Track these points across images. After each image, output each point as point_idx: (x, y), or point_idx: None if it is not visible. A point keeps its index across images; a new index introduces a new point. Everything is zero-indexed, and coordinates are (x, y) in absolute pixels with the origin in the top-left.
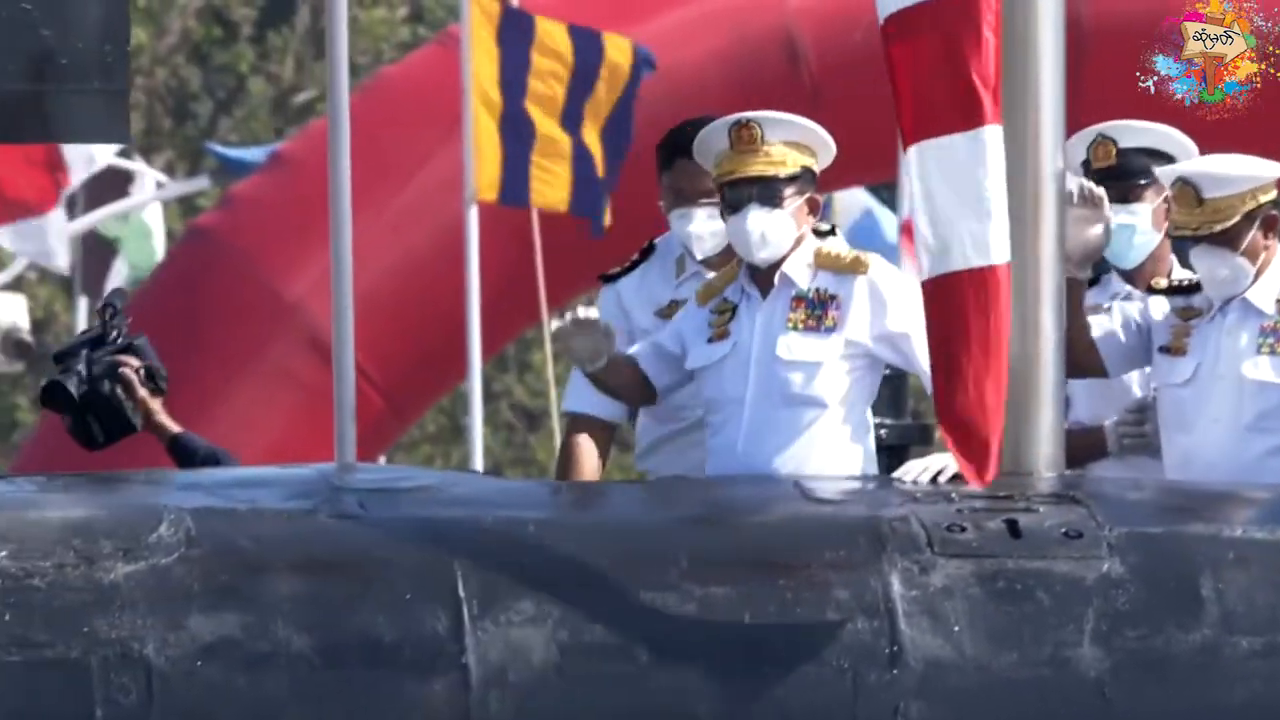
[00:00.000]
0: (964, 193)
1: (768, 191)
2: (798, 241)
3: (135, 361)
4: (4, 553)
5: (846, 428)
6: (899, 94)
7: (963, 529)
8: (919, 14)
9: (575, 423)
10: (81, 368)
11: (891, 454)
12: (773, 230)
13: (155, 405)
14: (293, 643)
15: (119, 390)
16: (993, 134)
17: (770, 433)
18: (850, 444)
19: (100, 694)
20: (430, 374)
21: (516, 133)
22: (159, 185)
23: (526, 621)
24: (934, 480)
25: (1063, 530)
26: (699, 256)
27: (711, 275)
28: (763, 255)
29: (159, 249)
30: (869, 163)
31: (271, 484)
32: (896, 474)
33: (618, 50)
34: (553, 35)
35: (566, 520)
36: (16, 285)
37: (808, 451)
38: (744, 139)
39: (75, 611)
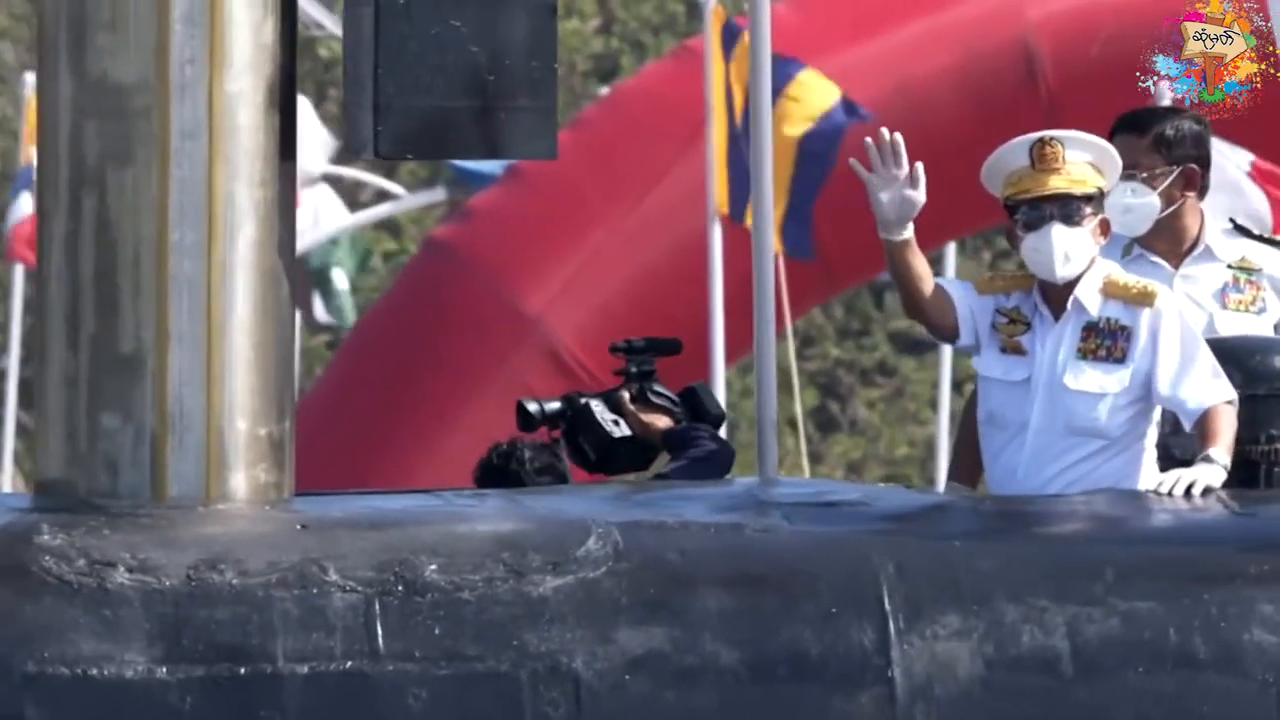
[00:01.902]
0: None
1: (1068, 209)
2: (1091, 262)
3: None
4: (434, 566)
5: (1126, 462)
6: None
7: None
8: None
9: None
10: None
11: None
12: (1074, 248)
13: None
14: (720, 657)
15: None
16: None
17: (1050, 461)
18: (1128, 478)
19: (530, 707)
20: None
21: (740, 151)
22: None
23: (952, 635)
24: (1187, 493)
25: None
26: (1125, 232)
27: (1155, 258)
28: (1064, 273)
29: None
30: None
31: (697, 498)
32: (1152, 486)
33: (818, 91)
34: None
35: (991, 534)
36: None
37: (1084, 483)
38: (1046, 157)
39: (504, 625)
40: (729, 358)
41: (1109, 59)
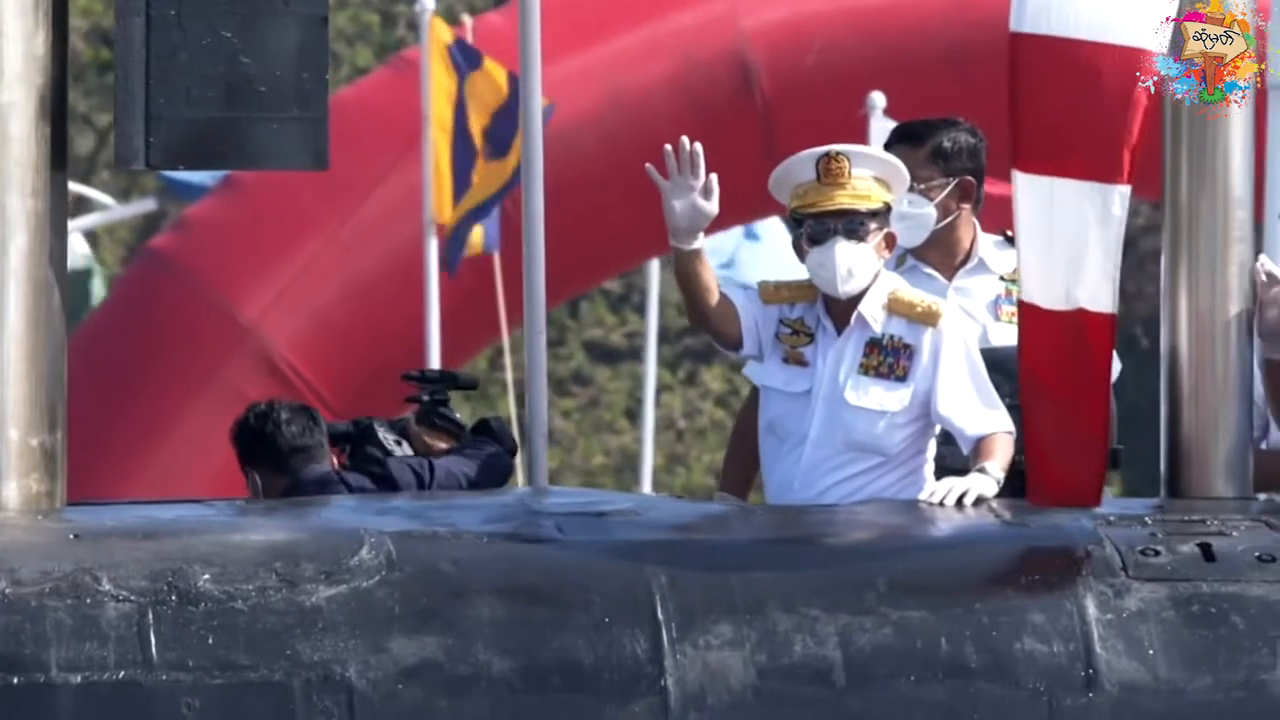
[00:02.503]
0: (1084, 239)
1: (853, 225)
2: (875, 276)
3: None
4: (207, 576)
5: (903, 476)
6: (1021, 116)
7: (1156, 552)
8: (1062, 47)
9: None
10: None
11: None
12: (858, 264)
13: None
14: (493, 666)
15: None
16: (1123, 195)
17: (827, 474)
18: (905, 492)
19: (303, 716)
20: (384, 394)
21: (464, 160)
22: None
23: (725, 645)
24: (959, 502)
25: (1256, 554)
26: (901, 243)
27: (929, 269)
28: (846, 289)
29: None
30: None
31: (469, 508)
32: (923, 495)
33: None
34: (494, 74)
35: (764, 543)
36: None
37: (860, 496)
38: (832, 171)
39: (278, 634)
40: (449, 363)
41: (824, 69)
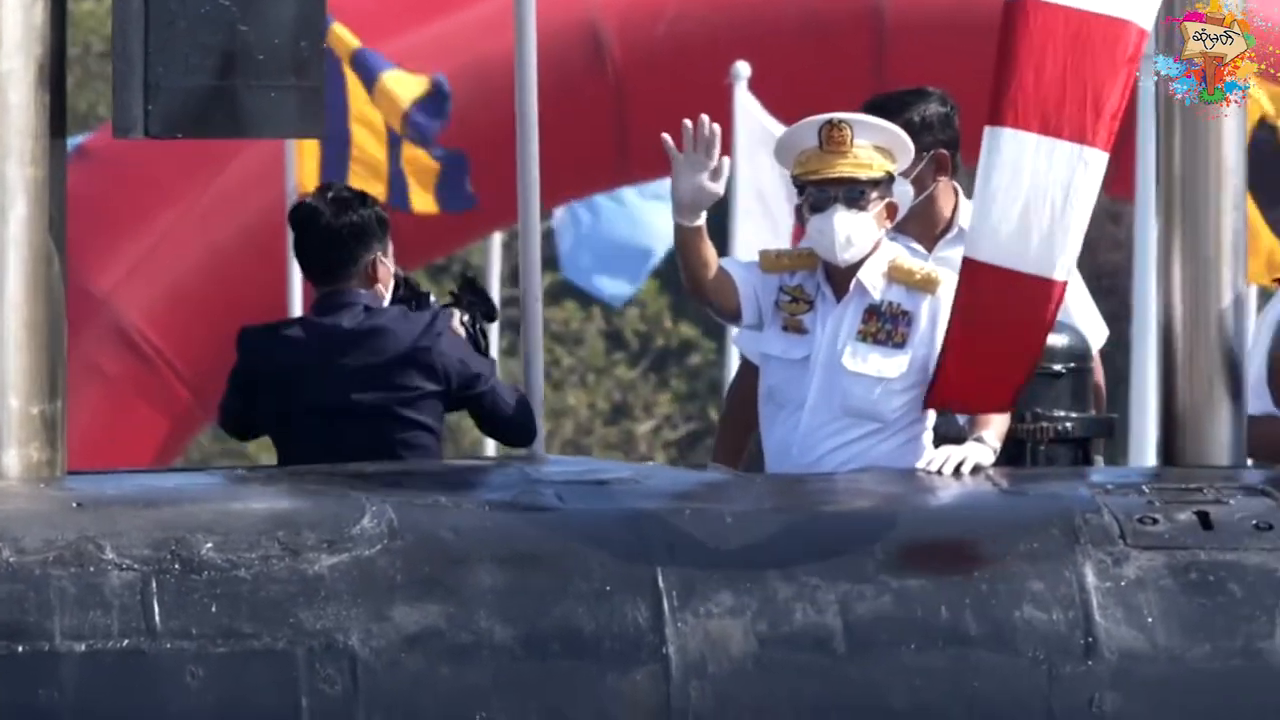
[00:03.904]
0: (1047, 200)
1: (853, 193)
2: (875, 245)
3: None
4: (210, 544)
5: (902, 443)
6: (1005, 72)
7: (1154, 520)
8: (1055, 15)
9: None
10: None
11: (1077, 447)
12: (857, 232)
13: None
14: (495, 634)
15: None
16: (1098, 159)
17: (824, 439)
18: (904, 459)
19: (306, 684)
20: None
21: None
22: None
23: (726, 613)
24: (957, 471)
25: (1253, 522)
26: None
27: (910, 242)
28: (845, 256)
29: None
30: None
31: (469, 477)
32: (920, 464)
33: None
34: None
35: (764, 511)
36: None
37: (857, 463)
38: (834, 139)
39: (280, 602)
40: None
41: (676, 38)
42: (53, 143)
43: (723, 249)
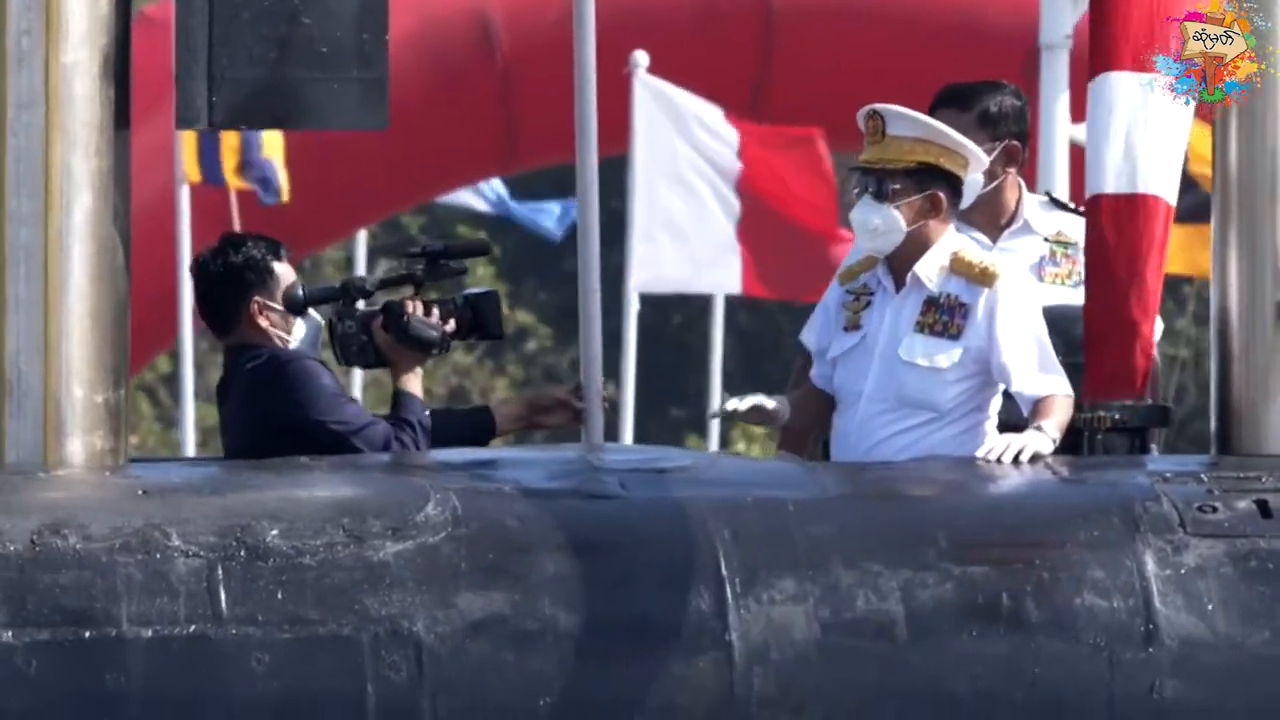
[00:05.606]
0: (1165, 133)
1: (880, 184)
2: (922, 239)
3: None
4: (275, 531)
5: (960, 432)
6: (1116, 21)
7: (1214, 509)
8: None
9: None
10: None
11: (1131, 436)
12: (876, 223)
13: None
14: (559, 621)
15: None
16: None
17: (881, 428)
18: (963, 448)
19: (371, 671)
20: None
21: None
22: None
23: (788, 600)
24: (1015, 460)
25: None
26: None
27: (975, 232)
28: (870, 245)
29: None
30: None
31: (532, 465)
32: (980, 452)
33: None
34: None
35: (826, 499)
36: None
37: (914, 451)
38: (871, 129)
39: (345, 589)
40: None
41: (567, 28)
42: (117, 134)
43: (619, 257)
